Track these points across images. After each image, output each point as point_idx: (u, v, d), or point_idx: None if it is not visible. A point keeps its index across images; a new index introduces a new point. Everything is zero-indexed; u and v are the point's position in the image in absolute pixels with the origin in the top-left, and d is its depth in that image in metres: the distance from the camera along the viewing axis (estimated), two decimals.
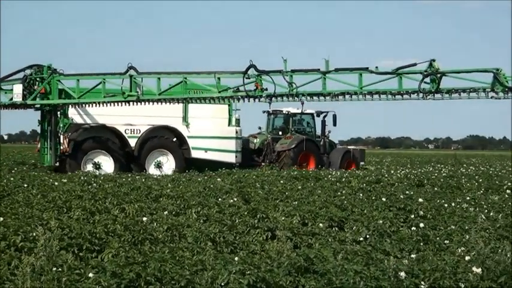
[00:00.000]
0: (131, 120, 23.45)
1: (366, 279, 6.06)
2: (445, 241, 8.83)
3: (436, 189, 16.71)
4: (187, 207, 11.77)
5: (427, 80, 15.35)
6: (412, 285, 5.88)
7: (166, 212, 10.82)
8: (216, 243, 8.68)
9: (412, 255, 7.55)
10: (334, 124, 27.92)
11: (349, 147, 30.91)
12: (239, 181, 17.53)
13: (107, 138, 22.98)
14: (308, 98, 18.09)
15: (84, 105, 22.41)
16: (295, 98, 18.27)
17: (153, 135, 23.80)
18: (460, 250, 7.77)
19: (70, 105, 22.60)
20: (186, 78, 19.66)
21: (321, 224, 10.14)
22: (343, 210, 11.81)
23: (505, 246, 7.50)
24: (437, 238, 9.07)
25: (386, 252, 8.11)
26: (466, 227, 9.77)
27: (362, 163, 29.42)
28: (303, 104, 24.34)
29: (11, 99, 22.48)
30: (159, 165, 23.71)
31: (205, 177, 18.97)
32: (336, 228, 10.17)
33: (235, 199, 12.96)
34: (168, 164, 23.87)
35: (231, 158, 25.42)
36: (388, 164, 39.05)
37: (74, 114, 22.92)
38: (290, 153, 26.50)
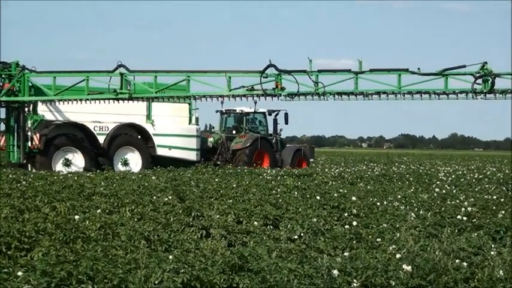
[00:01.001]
0: (99, 117, 23.63)
1: (299, 277, 6.11)
2: (377, 239, 8.99)
3: (369, 187, 17.01)
4: (121, 205, 11.59)
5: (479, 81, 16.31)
6: (345, 283, 5.95)
7: (99, 210, 10.62)
8: (150, 242, 8.58)
9: (345, 253, 7.65)
10: (286, 122, 28.43)
11: (298, 145, 31.74)
12: (174, 179, 17.41)
13: (77, 135, 23.11)
14: (336, 96, 18.68)
15: (55, 102, 22.46)
16: (322, 97, 18.75)
17: (120, 132, 24.11)
18: (391, 248, 7.93)
19: (40, 103, 22.52)
20: (189, 76, 19.68)
21: (255, 222, 10.16)
22: (277, 208, 11.87)
23: (434, 244, 7.70)
24: (370, 236, 9.23)
25: (320, 250, 8.20)
26: (397, 225, 9.98)
27: (312, 159, 30.20)
28: (256, 103, 24.55)
29: None
30: (126, 162, 23.95)
31: (140, 176, 18.76)
32: (271, 227, 10.21)
33: (170, 197, 12.86)
34: (134, 161, 24.14)
35: (192, 155, 25.99)
36: (323, 162, 39.56)
37: (45, 111, 22.81)
38: (245, 151, 27.03)
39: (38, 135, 22.19)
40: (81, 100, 21.46)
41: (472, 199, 14.04)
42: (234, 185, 16.05)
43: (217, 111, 29.00)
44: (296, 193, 14.70)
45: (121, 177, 17.92)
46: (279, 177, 19.72)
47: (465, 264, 6.74)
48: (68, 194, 12.96)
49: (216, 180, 17.79)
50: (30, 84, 22.08)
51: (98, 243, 8.17)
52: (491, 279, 6.21)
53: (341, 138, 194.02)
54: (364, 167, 31.38)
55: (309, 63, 18.25)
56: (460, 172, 27.51)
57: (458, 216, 10.87)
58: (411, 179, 21.08)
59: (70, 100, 21.63)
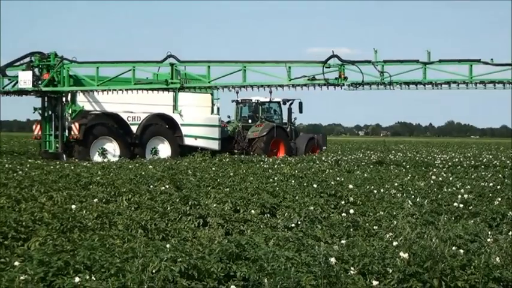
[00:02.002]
0: (132, 108, 24.27)
1: (297, 265, 6.11)
2: (374, 227, 9.01)
3: (365, 175, 17.02)
4: (118, 194, 11.59)
5: None
6: (342, 271, 5.96)
7: (96, 200, 10.63)
8: (147, 231, 8.59)
9: (343, 241, 7.66)
10: (300, 111, 29.19)
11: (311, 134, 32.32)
12: (171, 168, 17.40)
13: (113, 125, 23.79)
14: (404, 86, 19.38)
15: (93, 92, 23.10)
16: (388, 86, 19.33)
17: (151, 122, 24.80)
18: (388, 235, 7.94)
19: (79, 93, 23.08)
20: (245, 66, 20.02)
21: (252, 211, 10.18)
22: (275, 196, 11.87)
23: (431, 232, 7.68)
24: (367, 224, 9.25)
25: (317, 238, 8.21)
26: (394, 213, 10.00)
27: (324, 148, 30.97)
28: (271, 92, 25.16)
29: (14, 85, 22.70)
30: (156, 152, 24.61)
31: (136, 165, 18.74)
32: (268, 215, 10.22)
33: (167, 186, 12.85)
34: (164, 150, 24.85)
35: (215, 145, 26.82)
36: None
37: (83, 102, 23.26)
38: (262, 140, 27.71)
39: (77, 124, 22.62)
40: (127, 90, 22.13)
41: (469, 186, 14.07)
42: (231, 174, 16.05)
43: (233, 101, 29.73)
44: (293, 181, 14.71)
45: (118, 166, 17.91)
46: (276, 166, 19.71)
47: (462, 251, 6.75)
48: (64, 183, 12.95)
49: (213, 169, 17.79)
50: (70, 75, 22.55)
51: (95, 232, 8.18)
52: (487, 266, 6.23)
53: (338, 126, 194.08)
54: (361, 155, 31.38)
55: (374, 53, 18.85)
56: (457, 159, 27.53)
57: (455, 204, 10.90)
58: (408, 166, 21.10)
59: (116, 90, 22.19)
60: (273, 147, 28.33)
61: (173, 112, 25.84)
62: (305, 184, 14.09)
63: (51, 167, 16.97)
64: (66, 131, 22.80)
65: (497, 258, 6.44)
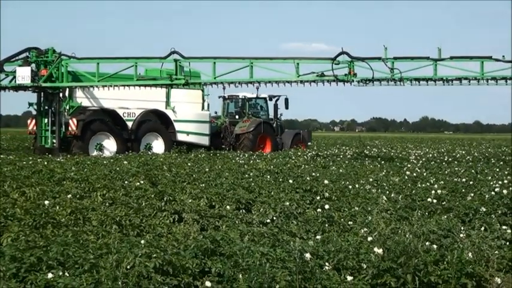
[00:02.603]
0: (127, 104, 24.49)
1: (272, 260, 6.12)
2: (349, 222, 9.05)
3: (341, 171, 17.10)
4: (92, 190, 11.48)
5: None
6: (317, 266, 5.98)
7: (70, 196, 10.51)
8: (121, 227, 8.54)
9: (318, 237, 7.69)
10: (286, 107, 29.61)
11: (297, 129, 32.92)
12: (146, 164, 17.30)
13: (109, 120, 23.97)
14: (414, 82, 19.74)
15: (89, 89, 23.26)
16: (398, 82, 19.72)
17: (146, 118, 25.05)
18: (362, 231, 7.98)
19: (78, 89, 23.21)
20: (252, 63, 20.17)
21: (228, 206, 10.16)
22: (250, 192, 11.87)
23: (405, 227, 7.76)
24: (342, 219, 9.28)
25: (293, 234, 8.23)
26: (369, 208, 10.04)
27: (309, 143, 31.56)
28: (258, 88, 25.51)
29: (11, 81, 22.74)
30: (149, 147, 24.85)
31: (111, 160, 18.61)
32: (243, 211, 10.21)
33: (142, 182, 12.78)
34: (158, 146, 25.09)
35: (205, 140, 27.16)
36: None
37: (81, 98, 23.38)
38: (249, 135, 28.05)
39: (75, 120, 22.72)
40: (129, 86, 22.29)
41: (442, 182, 14.19)
42: (207, 169, 16.02)
43: (219, 97, 30.03)
44: (269, 177, 14.72)
45: (92, 162, 17.77)
46: (251, 161, 19.72)
47: (435, 246, 6.81)
48: (37, 179, 12.81)
49: (189, 164, 17.73)
50: (67, 71, 22.63)
51: (68, 228, 8.11)
52: (460, 261, 6.29)
53: (314, 121, 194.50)
54: (337, 151, 31.51)
55: (384, 50, 19.18)
56: (431, 155, 27.79)
57: (429, 199, 10.98)
58: (383, 162, 21.24)
59: (118, 86, 22.28)
60: (260, 143, 28.65)
61: (166, 108, 26.08)
62: (280, 179, 14.11)
63: (24, 162, 16.77)
64: (63, 126, 22.87)
65: (470, 254, 6.52)
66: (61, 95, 23.02)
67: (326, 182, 13.27)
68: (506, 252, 6.97)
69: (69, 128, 22.73)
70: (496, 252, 6.71)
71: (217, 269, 6.15)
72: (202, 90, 27.00)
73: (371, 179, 14.57)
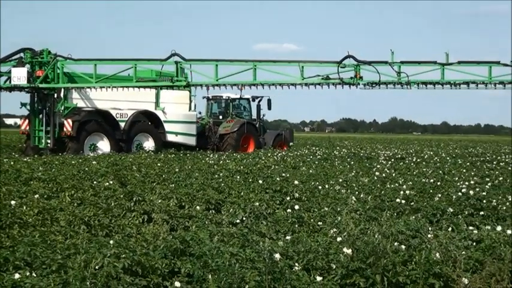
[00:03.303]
0: (119, 105, 24.91)
1: (241, 261, 6.12)
2: (319, 223, 9.09)
3: (311, 171, 17.16)
4: (60, 190, 11.37)
5: None
6: (287, 267, 5.99)
7: (37, 196, 10.38)
8: (90, 227, 8.46)
9: (287, 237, 7.70)
10: (269, 108, 30.44)
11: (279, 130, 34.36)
12: (115, 164, 17.17)
13: (103, 121, 24.30)
14: (421, 85, 20.17)
15: (85, 90, 23.55)
16: (405, 86, 20.10)
17: (137, 119, 25.54)
18: (332, 231, 8.02)
19: (75, 90, 23.54)
20: (256, 65, 20.47)
21: (197, 207, 10.14)
22: (220, 192, 11.86)
23: (374, 227, 7.82)
24: (311, 220, 9.32)
25: (262, 234, 8.24)
26: (338, 209, 10.09)
27: (291, 143, 32.25)
28: (241, 89, 25.64)
29: (5, 81, 22.90)
30: (140, 147, 25.07)
31: (80, 160, 18.43)
32: (213, 211, 10.19)
33: (111, 182, 12.68)
34: (148, 147, 25.38)
35: (192, 141, 27.69)
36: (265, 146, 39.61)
37: (77, 99, 23.83)
38: (233, 135, 28.61)
39: (70, 121, 22.98)
40: (128, 87, 22.70)
41: (411, 182, 14.34)
42: (177, 170, 15.96)
43: (203, 97, 30.59)
44: (238, 177, 14.71)
45: (60, 162, 17.58)
46: (221, 162, 19.69)
47: (403, 247, 6.87)
48: (3, 179, 12.64)
49: (159, 164, 17.64)
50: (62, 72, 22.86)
51: (35, 228, 8.01)
52: (428, 261, 6.35)
53: (284, 122, 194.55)
54: (307, 151, 31.63)
55: (391, 54, 19.58)
56: (399, 156, 28.06)
57: (397, 200, 11.08)
58: (352, 162, 21.37)
59: (116, 87, 22.54)
60: (244, 143, 29.19)
61: (155, 109, 26.54)
62: (250, 180, 14.11)
63: None
64: (57, 127, 23.05)
65: (438, 254, 6.58)
66: (55, 95, 23.26)
67: (296, 182, 13.31)
68: (473, 253, 7.06)
69: (64, 129, 23.07)
70: (463, 252, 6.79)
71: (187, 270, 6.12)
72: (190, 91, 27.44)
73: (340, 180, 14.66)
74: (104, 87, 22.42)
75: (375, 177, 15.53)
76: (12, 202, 9.31)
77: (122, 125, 24.85)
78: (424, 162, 22.71)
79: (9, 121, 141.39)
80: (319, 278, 5.89)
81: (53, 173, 13.99)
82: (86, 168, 15.19)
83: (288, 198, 11.57)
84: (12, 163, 16.31)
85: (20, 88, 23.04)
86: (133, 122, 25.27)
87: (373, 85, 19.99)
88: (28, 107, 23.52)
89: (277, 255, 5.96)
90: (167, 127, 26.55)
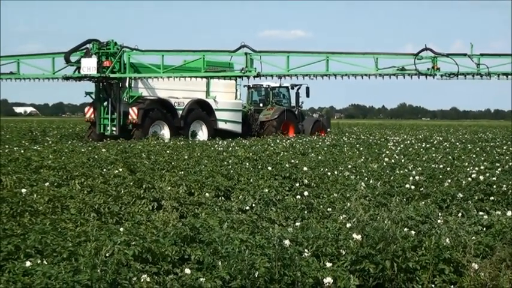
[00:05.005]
0: (177, 94, 26.12)
1: (251, 247, 6.13)
2: (328, 209, 9.08)
3: (320, 158, 17.14)
4: (70, 178, 11.42)
5: None
6: (296, 253, 5.99)
7: (47, 184, 10.41)
8: (100, 215, 8.50)
9: (297, 223, 7.71)
10: (307, 95, 31.40)
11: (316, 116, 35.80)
12: (124, 151, 17.20)
13: (164, 109, 25.57)
14: (501, 77, 20.91)
15: (147, 80, 24.78)
16: (485, 77, 20.80)
17: (192, 107, 26.69)
18: (341, 217, 8.02)
19: (141, 79, 24.83)
20: (328, 57, 21.31)
21: (207, 194, 10.15)
22: (229, 179, 11.87)
23: (383, 213, 7.80)
24: (321, 206, 9.32)
25: (272, 221, 8.25)
26: (348, 195, 10.09)
27: (329, 129, 33.76)
28: (280, 78, 26.60)
29: (75, 71, 24.26)
30: (194, 134, 26.51)
31: (89, 148, 18.48)
32: (222, 198, 10.21)
33: (121, 169, 12.71)
34: (201, 133, 26.86)
35: (239, 128, 28.98)
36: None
37: (141, 88, 25.11)
38: (273, 122, 29.88)
39: (135, 109, 24.11)
40: (196, 77, 24.25)
41: (420, 168, 14.29)
42: (186, 157, 15.96)
43: (244, 86, 31.49)
44: (247, 164, 14.72)
45: (70, 150, 17.63)
46: (230, 149, 19.69)
47: (413, 232, 6.86)
48: (14, 167, 12.68)
49: (168, 152, 17.66)
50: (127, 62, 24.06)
51: (46, 216, 8.05)
52: (438, 247, 6.35)
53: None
54: (315, 137, 31.59)
55: (471, 47, 20.31)
56: (409, 141, 27.96)
57: (407, 186, 11.06)
58: (361, 148, 21.33)
59: (184, 77, 24.03)
60: (283, 130, 30.23)
61: (206, 97, 27.58)
62: (259, 167, 14.12)
63: (0, 150, 16.60)
64: (122, 115, 24.13)
65: (447, 240, 6.57)
66: (120, 84, 24.33)
67: (305, 168, 13.30)
68: (483, 238, 7.05)
69: (130, 117, 24.12)
70: (473, 238, 6.77)
71: (197, 256, 6.14)
72: (236, 80, 28.34)
73: (350, 166, 14.63)
74: (171, 77, 23.74)
75: (384, 163, 15.50)
76: (23, 190, 9.37)
77: (179, 113, 25.97)
78: (433, 148, 22.63)
79: (18, 109, 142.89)
80: (328, 264, 5.89)
81: (62, 161, 14.03)
82: (96, 156, 15.23)
83: (297, 184, 11.57)
84: (22, 151, 16.37)
85: (89, 78, 24.22)
86: (190, 110, 26.38)
87: (451, 76, 20.69)
88: (93, 96, 24.85)
89: (287, 242, 5.96)
90: (218, 115, 27.68)
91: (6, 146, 18.72)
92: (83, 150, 17.53)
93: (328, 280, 5.52)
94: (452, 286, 6.08)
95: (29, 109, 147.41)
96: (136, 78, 24.68)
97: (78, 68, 24.27)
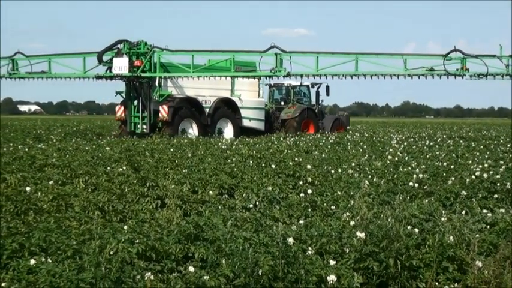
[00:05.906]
0: (204, 92, 26.71)
1: (255, 245, 6.13)
2: (332, 207, 9.08)
3: (323, 155, 17.14)
4: (74, 176, 11.43)
5: None
6: (300, 251, 6.00)
7: (51, 182, 10.44)
8: (104, 213, 8.52)
9: (300, 221, 7.71)
10: (327, 94, 32.13)
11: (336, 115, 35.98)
12: (128, 150, 17.22)
13: (192, 107, 26.13)
14: None
15: (178, 78, 25.44)
16: None
17: (219, 105, 27.23)
18: (345, 215, 8.02)
19: (171, 78, 25.45)
20: (357, 57, 21.73)
21: (211, 192, 10.17)
22: (233, 177, 11.88)
23: (387, 211, 7.79)
24: (324, 204, 9.32)
25: (276, 219, 8.25)
26: (351, 193, 10.08)
27: (348, 127, 34.55)
28: (302, 77, 26.75)
29: (106, 71, 24.83)
30: (220, 132, 26.98)
31: (93, 146, 18.50)
32: (226, 196, 10.22)
33: (125, 168, 12.72)
34: (227, 131, 27.41)
35: (262, 126, 29.46)
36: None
37: (171, 87, 25.81)
38: (295, 120, 30.47)
39: (165, 107, 24.56)
40: (226, 77, 24.90)
41: (424, 166, 14.28)
42: (189, 155, 15.97)
43: (266, 85, 31.98)
44: (251, 162, 14.71)
45: (74, 148, 17.66)
46: (234, 147, 19.70)
47: (417, 230, 6.86)
48: (18, 165, 12.71)
49: (171, 150, 17.67)
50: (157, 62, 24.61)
51: (50, 214, 8.07)
52: (441, 245, 6.35)
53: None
54: (319, 135, 31.57)
55: (500, 49, 20.88)
56: (412, 139, 27.92)
57: (410, 183, 11.05)
58: (365, 146, 21.31)
59: (214, 77, 24.67)
60: (304, 127, 30.81)
61: (231, 96, 28.11)
62: (263, 165, 14.12)
63: (4, 149, 16.63)
64: (152, 114, 24.55)
65: (451, 237, 6.57)
66: (150, 83, 24.78)
67: (309, 166, 13.29)
68: (487, 236, 7.05)
69: (160, 115, 24.59)
70: (477, 235, 6.77)
71: (201, 254, 6.15)
72: (259, 79, 28.86)
73: (353, 164, 14.62)
74: (201, 76, 24.20)
75: (388, 161, 15.48)
76: (27, 188, 9.38)
77: (206, 111, 26.45)
78: (437, 146, 22.60)
79: (23, 108, 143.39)
80: (332, 262, 5.89)
81: (66, 159, 14.05)
82: (100, 154, 15.25)
83: (301, 182, 11.57)
84: (26, 150, 16.40)
85: (121, 77, 24.70)
86: (216, 108, 26.87)
87: (480, 76, 21.07)
88: (123, 95, 25.39)
89: (291, 240, 5.97)
90: (242, 113, 28.19)
91: (11, 144, 18.75)
92: (87, 148, 17.55)
93: (331, 278, 5.53)
94: (456, 284, 6.08)
95: (33, 107, 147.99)
96: (166, 77, 25.17)
97: (110, 68, 24.86)
